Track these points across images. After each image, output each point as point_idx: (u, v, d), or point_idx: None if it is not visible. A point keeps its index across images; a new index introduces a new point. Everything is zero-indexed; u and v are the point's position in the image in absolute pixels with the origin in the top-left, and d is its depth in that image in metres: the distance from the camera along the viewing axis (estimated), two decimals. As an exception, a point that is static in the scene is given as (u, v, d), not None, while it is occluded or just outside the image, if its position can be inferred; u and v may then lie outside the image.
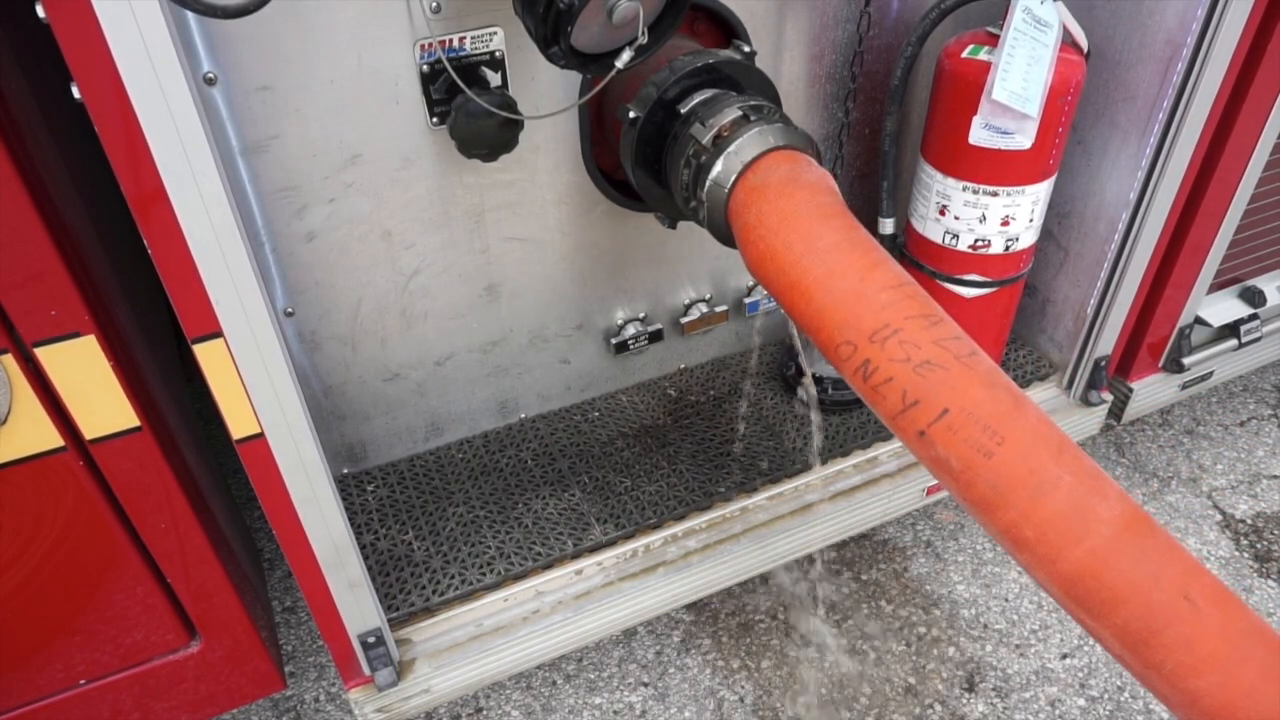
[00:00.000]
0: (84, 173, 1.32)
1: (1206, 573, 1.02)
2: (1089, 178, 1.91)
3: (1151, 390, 2.22)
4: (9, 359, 1.11)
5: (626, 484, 1.84)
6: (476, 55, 1.44)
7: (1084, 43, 1.64)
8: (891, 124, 1.80)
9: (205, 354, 1.11)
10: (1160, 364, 2.20)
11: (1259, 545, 2.38)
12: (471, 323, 1.78)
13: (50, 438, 1.19)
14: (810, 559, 2.30)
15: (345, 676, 1.57)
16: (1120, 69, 1.76)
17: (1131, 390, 2.18)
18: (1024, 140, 1.62)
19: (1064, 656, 2.13)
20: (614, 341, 1.95)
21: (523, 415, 1.99)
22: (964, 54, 1.62)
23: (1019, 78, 1.56)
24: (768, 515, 1.83)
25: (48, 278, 1.08)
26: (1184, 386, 2.27)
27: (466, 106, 1.40)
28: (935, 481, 1.93)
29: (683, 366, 2.12)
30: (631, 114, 1.46)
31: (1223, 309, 2.21)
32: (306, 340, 1.64)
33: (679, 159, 1.43)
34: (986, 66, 1.58)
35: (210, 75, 1.30)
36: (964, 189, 1.72)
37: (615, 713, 2.03)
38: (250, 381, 1.15)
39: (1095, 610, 1.01)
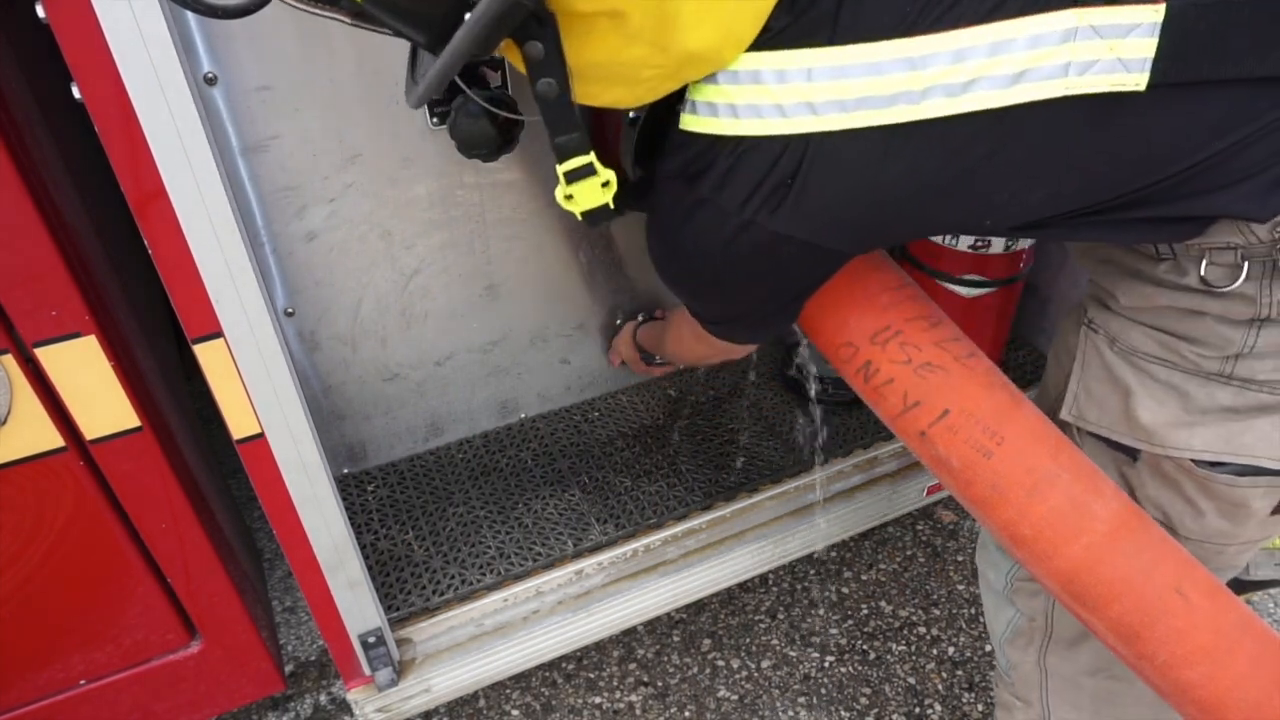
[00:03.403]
0: (84, 173, 1.32)
1: (1198, 566, 1.02)
2: (1089, 178, 1.90)
3: (1151, 390, 2.21)
4: (9, 359, 1.11)
5: (626, 484, 1.84)
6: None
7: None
8: (891, 124, 1.79)
9: (205, 354, 1.11)
10: (1160, 364, 2.19)
11: (1259, 545, 2.38)
12: (471, 323, 1.78)
13: (51, 438, 1.19)
14: (810, 559, 2.31)
15: (345, 676, 1.57)
16: (1120, 69, 1.76)
17: (1131, 390, 2.17)
18: (1023, 140, 1.62)
19: (1064, 656, 2.13)
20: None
21: (523, 415, 1.99)
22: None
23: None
24: (768, 515, 1.83)
25: (48, 278, 1.08)
26: (1184, 386, 2.26)
27: (466, 107, 1.39)
28: (935, 481, 1.94)
29: (683, 366, 2.12)
30: (631, 114, 1.46)
31: (1222, 309, 2.20)
32: (306, 340, 1.65)
33: (679, 159, 1.43)
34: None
35: (210, 75, 1.30)
36: (964, 189, 1.72)
37: (615, 713, 2.03)
38: (250, 382, 1.14)
39: (1091, 604, 1.02)
